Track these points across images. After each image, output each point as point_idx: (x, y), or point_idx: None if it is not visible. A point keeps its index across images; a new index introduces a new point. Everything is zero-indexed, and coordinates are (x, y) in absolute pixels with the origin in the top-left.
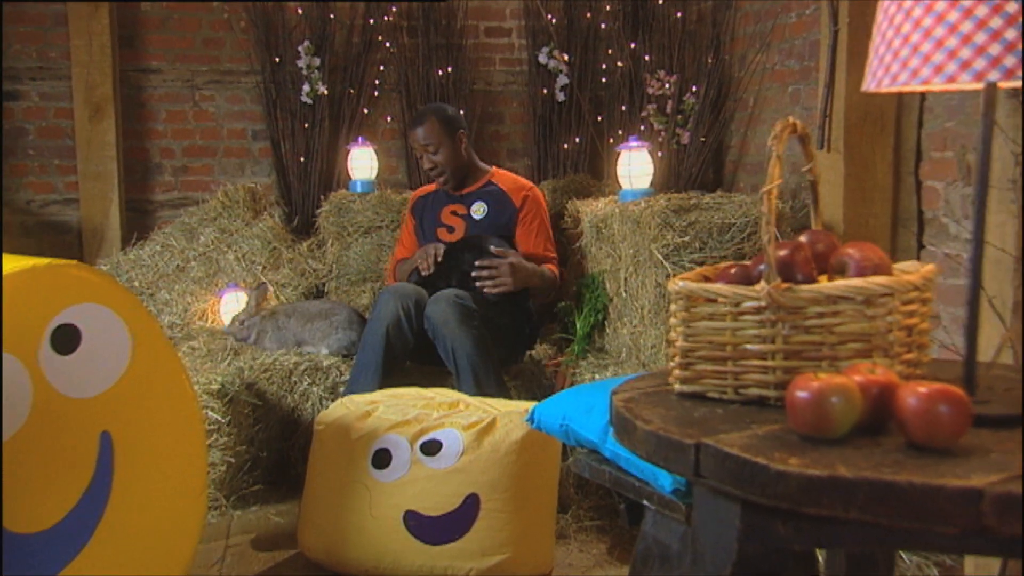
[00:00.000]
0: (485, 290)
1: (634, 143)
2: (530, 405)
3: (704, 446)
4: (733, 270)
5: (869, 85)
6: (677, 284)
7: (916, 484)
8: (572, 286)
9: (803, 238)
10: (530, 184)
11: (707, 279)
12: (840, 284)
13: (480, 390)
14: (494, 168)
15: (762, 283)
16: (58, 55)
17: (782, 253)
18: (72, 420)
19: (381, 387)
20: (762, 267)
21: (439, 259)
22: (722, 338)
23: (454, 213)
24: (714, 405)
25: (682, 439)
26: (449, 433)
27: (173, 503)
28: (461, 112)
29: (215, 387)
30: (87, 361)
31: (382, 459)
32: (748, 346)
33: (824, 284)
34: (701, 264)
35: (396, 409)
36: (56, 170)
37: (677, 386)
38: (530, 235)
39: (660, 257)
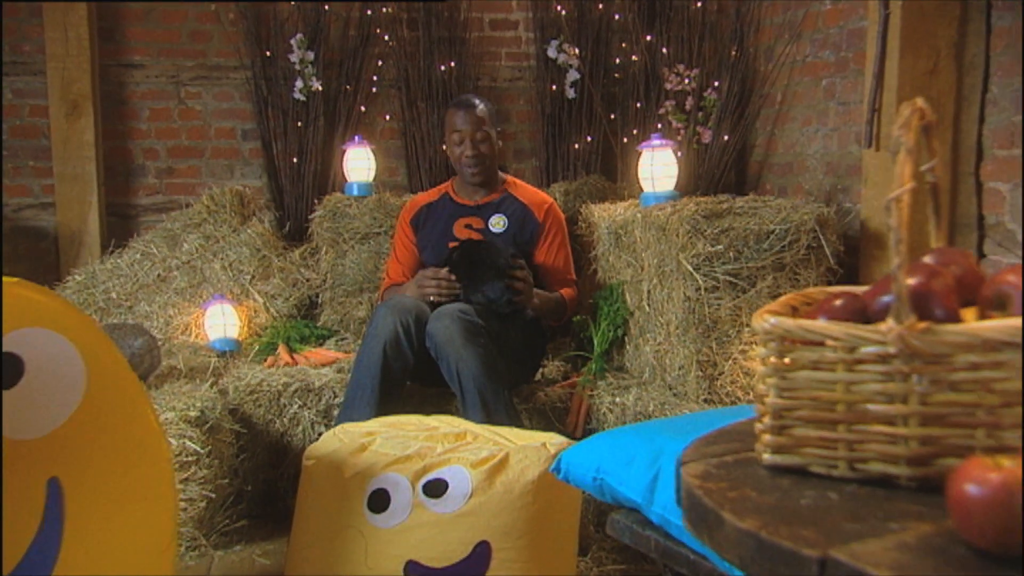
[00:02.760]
0: (515, 298)
1: (657, 141)
2: (548, 437)
3: (834, 562)
4: (839, 301)
5: None
6: (767, 321)
7: None
8: (588, 298)
9: (929, 258)
10: (549, 198)
11: (795, 309)
12: (1002, 324)
13: (488, 416)
14: (508, 177)
15: (888, 321)
16: (33, 48)
17: (915, 280)
18: (13, 465)
19: (379, 412)
20: (886, 299)
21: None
22: (832, 394)
23: (469, 227)
24: (823, 486)
25: (797, 548)
26: (456, 471)
27: (135, 560)
28: None
29: (193, 414)
30: (32, 396)
31: (380, 501)
32: (869, 406)
33: (978, 324)
34: (735, 276)
35: (395, 442)
36: (31, 172)
37: (767, 456)
38: (552, 252)
39: (689, 268)
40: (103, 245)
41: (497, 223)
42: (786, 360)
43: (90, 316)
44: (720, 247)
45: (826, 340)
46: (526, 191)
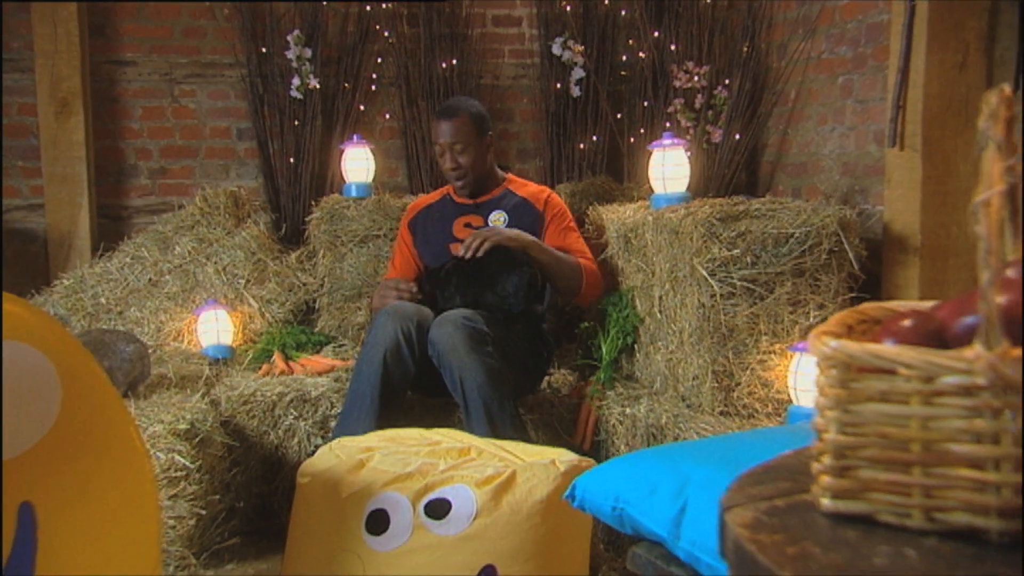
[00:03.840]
0: (465, 254)
1: (668, 141)
2: (557, 453)
3: None
4: (908, 321)
5: None
6: (827, 344)
7: None
8: (597, 304)
9: (1012, 272)
10: (548, 188)
11: (850, 328)
12: None
13: (493, 429)
14: (510, 175)
15: (975, 347)
16: (21, 45)
17: (1006, 299)
18: None
19: (378, 424)
20: (970, 320)
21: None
22: (905, 431)
23: (468, 226)
24: (897, 540)
25: None
26: (460, 491)
27: None
28: None
29: (183, 427)
30: (2, 414)
31: (379, 522)
32: (951, 446)
33: None
34: (753, 282)
35: (395, 459)
36: (20, 172)
37: (827, 501)
38: (558, 237)
39: (704, 273)
40: (94, 248)
41: (496, 220)
42: (850, 389)
43: (66, 329)
44: (737, 251)
45: (898, 368)
46: (525, 186)
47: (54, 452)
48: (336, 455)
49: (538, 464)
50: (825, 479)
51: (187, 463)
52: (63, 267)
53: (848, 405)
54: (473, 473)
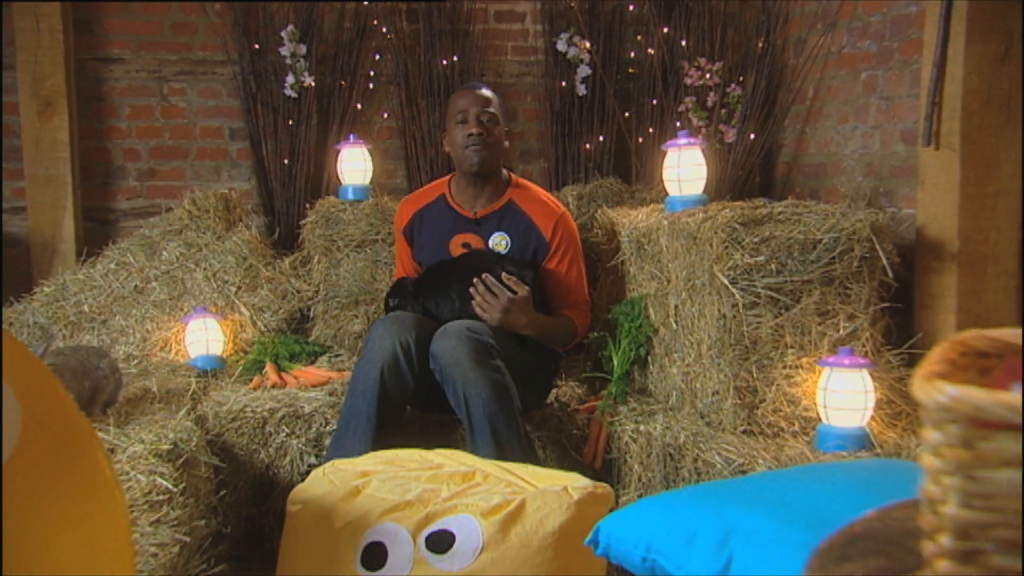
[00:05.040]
0: (475, 310)
1: (683, 140)
2: (569, 479)
3: None
4: None
5: None
6: (942, 392)
7: None
8: (607, 313)
9: None
10: (561, 208)
11: (953, 363)
12: None
13: (500, 450)
14: (515, 178)
15: None
16: (1, 41)
17: None
18: None
19: (375, 444)
20: None
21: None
22: None
23: (466, 246)
24: None
25: None
26: (464, 521)
27: None
28: None
29: (165, 447)
30: None
31: (375, 556)
32: None
33: None
34: (778, 291)
35: (394, 485)
36: (1, 174)
37: None
38: (562, 271)
39: (725, 281)
40: (79, 253)
41: (499, 244)
42: (975, 450)
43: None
44: (761, 258)
45: None
46: (533, 201)
47: (13, 483)
48: (330, 480)
49: (549, 492)
50: (942, 564)
51: (170, 486)
52: (46, 273)
53: (974, 471)
54: (478, 502)
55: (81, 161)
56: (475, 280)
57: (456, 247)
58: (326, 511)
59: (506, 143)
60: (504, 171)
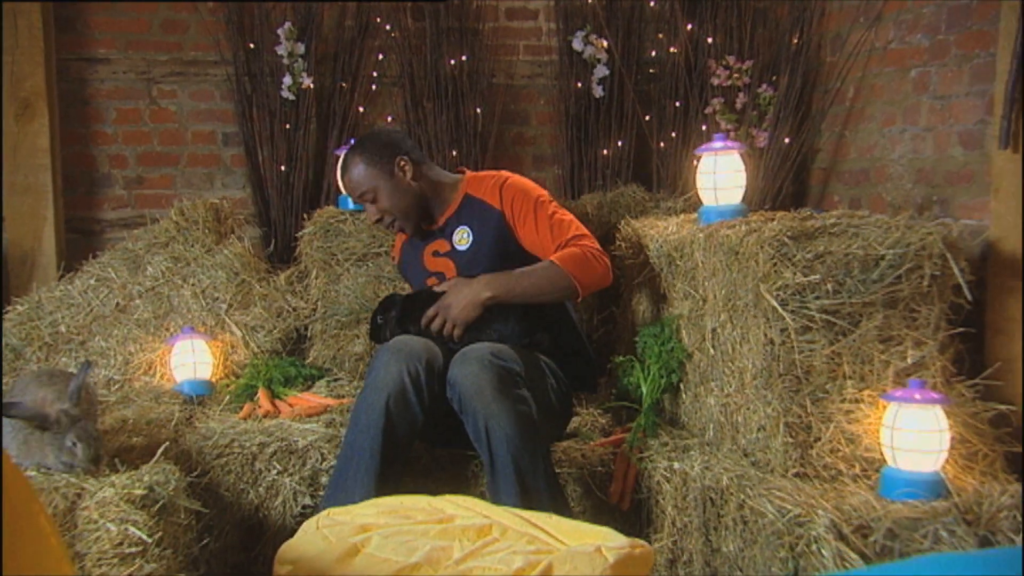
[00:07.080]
0: (453, 339)
1: (719, 143)
2: (602, 536)
3: None
4: None
5: None
6: None
7: None
8: (634, 335)
9: None
10: (503, 174)
11: None
12: None
13: (524, 492)
14: (468, 173)
15: None
16: None
17: None
18: None
19: (378, 486)
20: None
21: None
22: None
23: (436, 254)
24: None
25: None
26: None
27: None
28: (474, 112)
29: (139, 492)
30: None
31: None
32: None
33: None
34: (834, 314)
35: (398, 543)
36: None
37: None
38: (531, 229)
39: (774, 303)
40: (60, 266)
41: (461, 240)
42: None
43: None
44: (815, 277)
45: None
46: (483, 183)
47: None
48: (324, 536)
49: (580, 552)
50: None
51: (144, 536)
52: (25, 288)
53: None
54: (498, 564)
55: (64, 168)
56: (422, 325)
57: (428, 257)
58: (320, 575)
59: (409, 175)
60: (450, 176)
